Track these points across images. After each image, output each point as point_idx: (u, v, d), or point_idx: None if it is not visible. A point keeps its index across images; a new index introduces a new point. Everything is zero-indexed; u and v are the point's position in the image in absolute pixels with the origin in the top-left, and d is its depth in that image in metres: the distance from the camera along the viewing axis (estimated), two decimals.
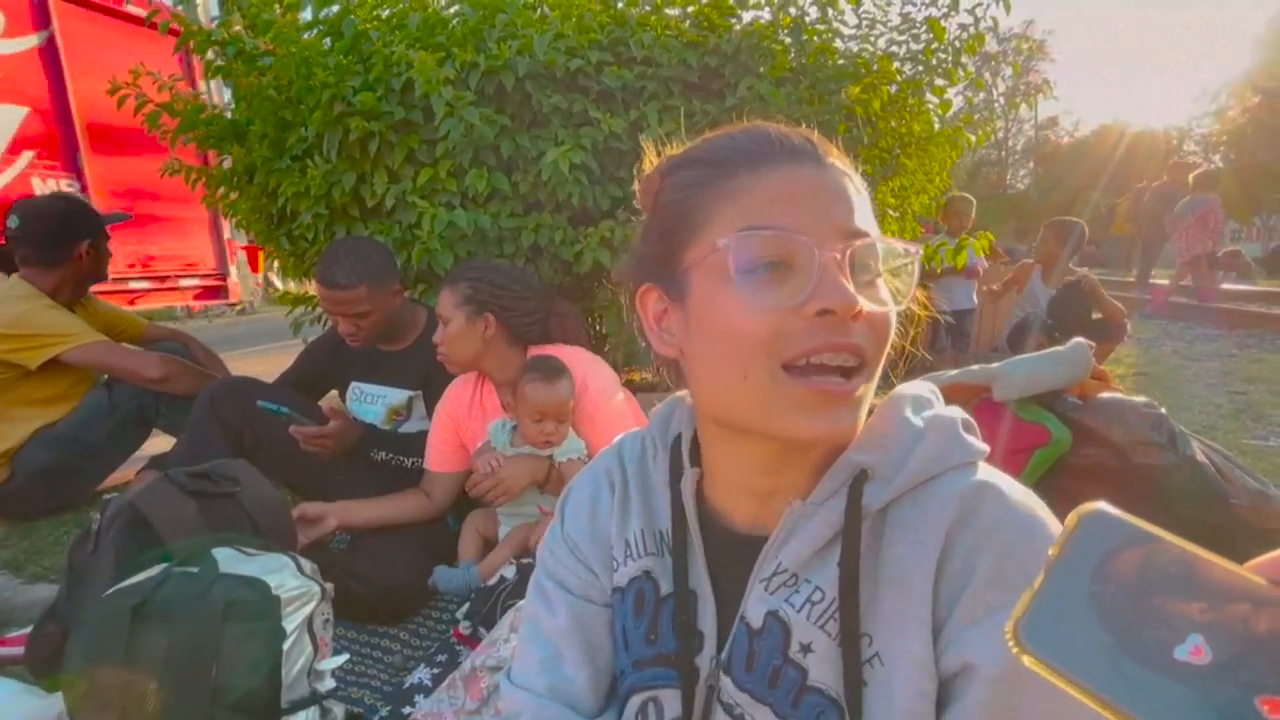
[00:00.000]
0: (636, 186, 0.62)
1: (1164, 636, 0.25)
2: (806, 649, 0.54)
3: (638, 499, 0.65)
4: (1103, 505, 0.29)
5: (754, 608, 0.57)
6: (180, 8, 4.83)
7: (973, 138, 2.68)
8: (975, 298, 4.51)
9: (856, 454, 0.54)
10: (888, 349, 0.53)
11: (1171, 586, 0.26)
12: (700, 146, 0.58)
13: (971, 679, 0.48)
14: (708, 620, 0.60)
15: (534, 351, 1.67)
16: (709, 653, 0.59)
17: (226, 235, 6.31)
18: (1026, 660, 0.27)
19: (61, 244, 2.28)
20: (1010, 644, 0.27)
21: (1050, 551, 0.28)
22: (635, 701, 0.62)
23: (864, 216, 0.53)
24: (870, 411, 0.57)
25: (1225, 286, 7.80)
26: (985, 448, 0.56)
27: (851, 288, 0.49)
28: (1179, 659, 0.25)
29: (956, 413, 0.58)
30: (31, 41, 4.84)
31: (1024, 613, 0.27)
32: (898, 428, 0.55)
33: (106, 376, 2.34)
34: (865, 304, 0.49)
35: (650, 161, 0.61)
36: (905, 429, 0.55)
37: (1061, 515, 0.31)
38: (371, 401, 2.00)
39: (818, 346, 0.49)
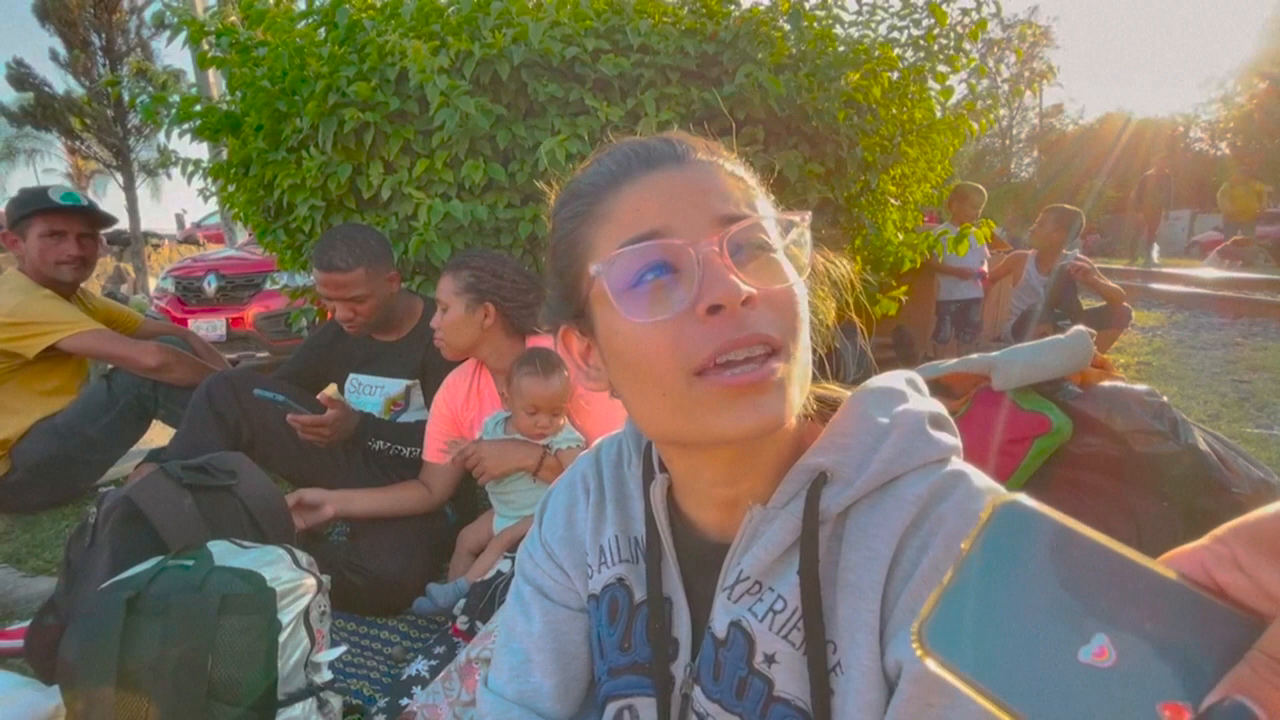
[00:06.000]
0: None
1: (1069, 637, 0.24)
2: (771, 659, 0.53)
3: (613, 505, 0.64)
4: (1019, 497, 0.27)
5: (719, 617, 0.56)
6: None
7: (975, 125, 2.65)
8: (980, 287, 4.49)
9: (815, 456, 0.53)
10: (803, 325, 0.50)
11: (1082, 583, 0.25)
12: (575, 178, 0.57)
13: (901, 678, 0.47)
14: (682, 628, 0.59)
15: (532, 342, 1.66)
16: (684, 660, 0.58)
17: None
18: (930, 663, 0.25)
19: None
20: (915, 646, 0.26)
21: (962, 546, 0.27)
22: (611, 709, 0.61)
23: (742, 200, 0.51)
24: (836, 409, 0.56)
25: (1231, 275, 7.71)
26: (956, 443, 0.54)
27: (737, 275, 0.47)
28: (1083, 661, 0.23)
29: (927, 406, 0.56)
30: None
31: (930, 613, 0.26)
32: (859, 426, 0.54)
33: (107, 368, 2.34)
34: (754, 287, 0.47)
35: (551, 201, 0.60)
36: (867, 427, 0.53)
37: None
38: (370, 393, 2.00)
39: (721, 346, 0.47)
